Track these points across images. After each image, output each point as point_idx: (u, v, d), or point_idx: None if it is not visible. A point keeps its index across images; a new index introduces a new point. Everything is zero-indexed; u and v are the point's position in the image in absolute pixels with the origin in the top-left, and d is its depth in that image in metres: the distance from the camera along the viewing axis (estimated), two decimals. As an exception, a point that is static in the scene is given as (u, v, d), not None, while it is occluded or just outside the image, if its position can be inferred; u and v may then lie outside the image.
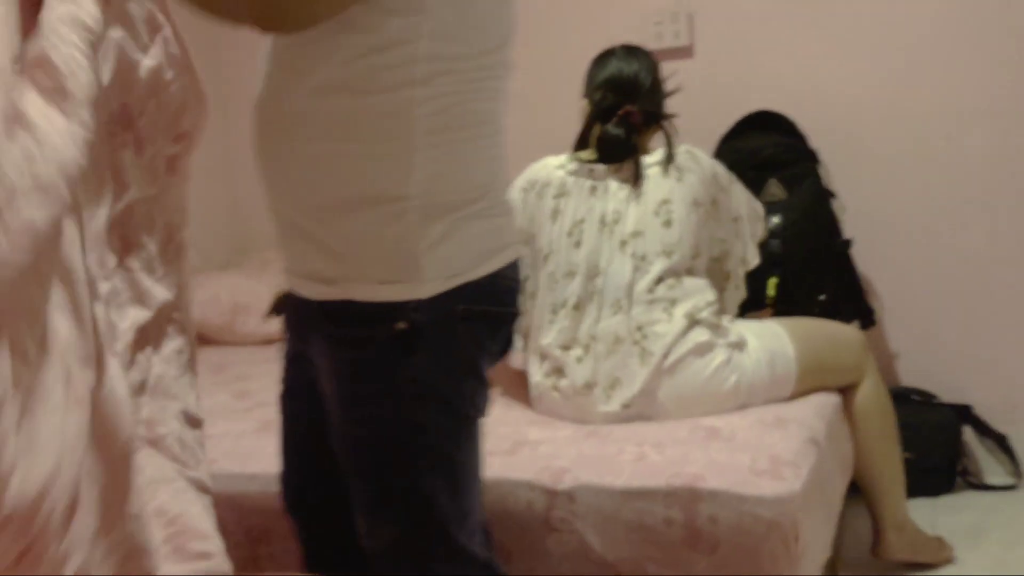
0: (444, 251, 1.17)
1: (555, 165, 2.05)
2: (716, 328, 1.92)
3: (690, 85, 2.84)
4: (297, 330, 1.34)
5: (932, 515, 2.38)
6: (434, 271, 1.17)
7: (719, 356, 1.87)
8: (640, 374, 1.87)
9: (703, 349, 1.87)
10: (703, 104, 2.82)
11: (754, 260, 2.10)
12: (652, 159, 2.00)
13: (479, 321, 1.22)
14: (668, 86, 2.13)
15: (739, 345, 1.92)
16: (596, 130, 2.03)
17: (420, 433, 1.22)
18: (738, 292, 2.09)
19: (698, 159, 2.03)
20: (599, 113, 2.03)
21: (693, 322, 1.89)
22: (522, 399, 2.10)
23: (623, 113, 1.99)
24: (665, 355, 1.86)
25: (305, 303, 1.25)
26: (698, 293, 1.94)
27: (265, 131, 1.23)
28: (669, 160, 1.98)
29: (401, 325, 1.16)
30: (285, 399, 1.42)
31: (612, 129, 1.99)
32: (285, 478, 1.44)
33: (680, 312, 1.89)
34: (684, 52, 2.86)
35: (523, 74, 2.96)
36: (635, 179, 1.96)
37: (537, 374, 2.01)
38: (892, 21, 2.65)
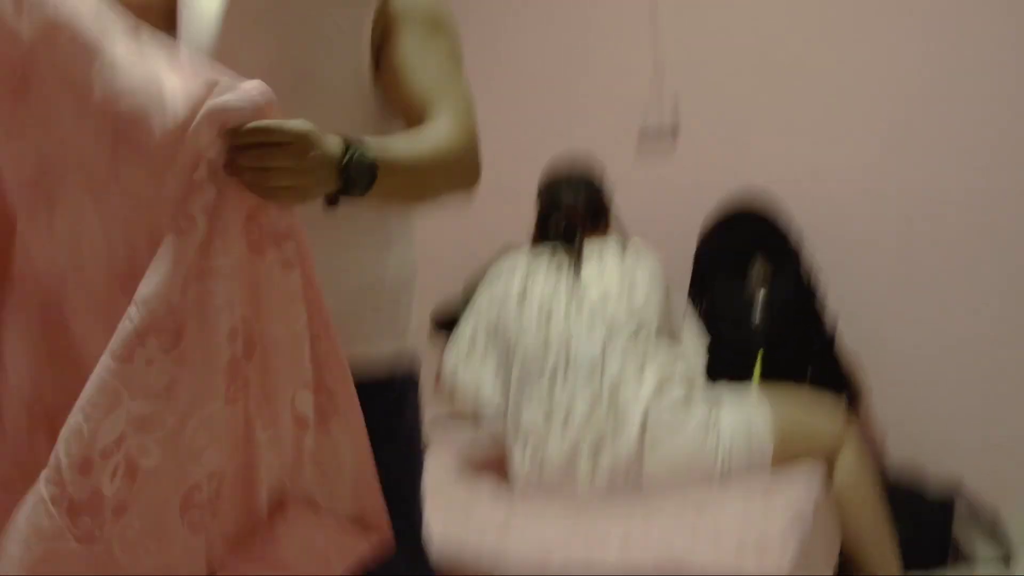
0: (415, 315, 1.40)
1: (518, 254, 2.23)
2: (691, 385, 1.98)
3: (675, 166, 2.90)
4: None
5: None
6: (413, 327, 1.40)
7: (698, 412, 1.92)
8: (619, 439, 1.88)
9: (679, 405, 1.92)
10: (688, 184, 2.88)
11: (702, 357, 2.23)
12: (609, 243, 2.19)
13: None
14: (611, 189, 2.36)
15: (715, 403, 1.97)
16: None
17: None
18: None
19: (651, 252, 2.23)
20: (546, 210, 2.27)
21: (665, 381, 1.94)
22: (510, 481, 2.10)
23: (566, 207, 2.23)
24: (643, 420, 1.89)
25: None
26: (667, 356, 2.02)
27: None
28: (623, 245, 2.19)
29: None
30: None
31: (556, 219, 2.23)
32: None
33: (650, 372, 1.94)
34: (669, 133, 2.92)
35: (510, 159, 3.04)
36: (578, 255, 2.14)
37: (523, 462, 2.00)
38: (876, 101, 2.71)
